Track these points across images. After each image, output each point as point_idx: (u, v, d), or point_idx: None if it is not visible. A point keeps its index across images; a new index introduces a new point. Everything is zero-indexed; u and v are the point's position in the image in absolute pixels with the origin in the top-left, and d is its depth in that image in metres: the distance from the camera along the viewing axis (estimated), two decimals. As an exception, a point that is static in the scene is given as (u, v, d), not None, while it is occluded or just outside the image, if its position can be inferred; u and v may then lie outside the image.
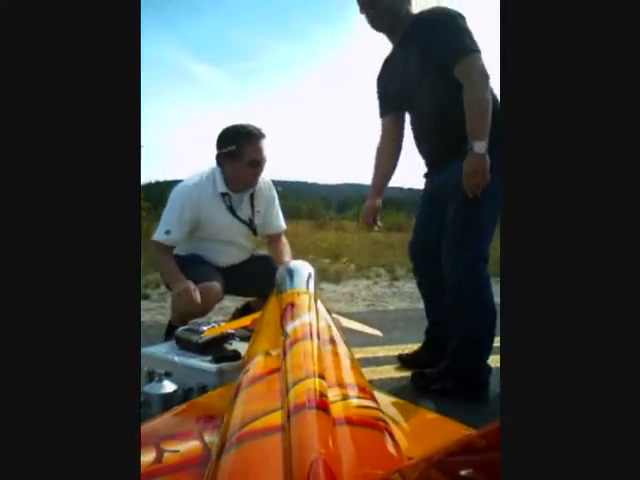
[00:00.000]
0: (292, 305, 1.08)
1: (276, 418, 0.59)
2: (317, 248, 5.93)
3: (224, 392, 0.84)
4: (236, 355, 1.38)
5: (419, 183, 1.91)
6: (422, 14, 1.66)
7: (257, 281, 1.97)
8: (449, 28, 1.56)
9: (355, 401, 0.67)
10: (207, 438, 0.69)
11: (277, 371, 0.75)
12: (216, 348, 1.37)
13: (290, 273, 1.40)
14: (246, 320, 1.84)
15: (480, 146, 1.43)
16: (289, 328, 0.90)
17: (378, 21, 1.68)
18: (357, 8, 1.67)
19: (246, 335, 1.67)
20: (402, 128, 1.86)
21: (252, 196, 1.97)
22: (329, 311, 1.25)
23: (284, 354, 0.78)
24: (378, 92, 1.88)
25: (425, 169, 1.82)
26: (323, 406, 0.57)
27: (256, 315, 1.55)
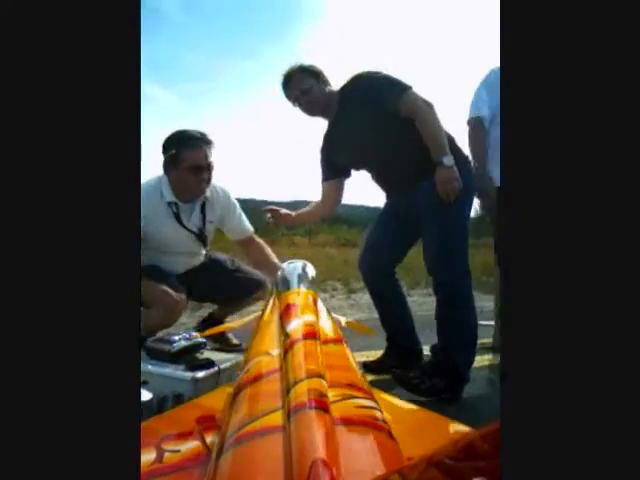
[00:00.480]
0: (292, 305, 1.09)
1: (276, 418, 0.59)
2: None
3: (224, 392, 0.84)
4: (210, 363, 1.40)
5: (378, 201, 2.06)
6: (346, 86, 1.83)
7: (213, 286, 2.00)
8: (377, 80, 1.75)
9: (355, 401, 0.67)
10: (207, 438, 0.69)
11: (277, 371, 0.75)
12: (188, 357, 1.38)
13: (290, 273, 1.40)
14: (246, 320, 1.84)
15: (448, 159, 1.61)
16: (289, 328, 0.90)
17: (310, 108, 1.84)
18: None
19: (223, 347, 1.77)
20: (341, 191, 2.01)
21: (203, 205, 1.95)
22: (329, 311, 1.25)
23: (284, 354, 0.78)
24: (322, 162, 1.99)
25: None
26: (323, 406, 0.57)
27: (256, 315, 1.55)
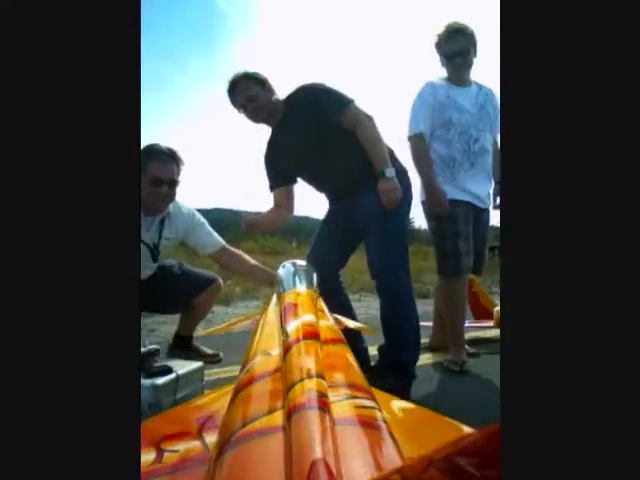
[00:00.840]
0: (292, 305, 1.08)
1: (276, 418, 0.59)
2: (217, 271, 5.95)
3: (224, 392, 0.84)
4: (168, 369, 1.41)
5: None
6: (291, 95, 1.90)
7: (162, 294, 2.02)
8: (322, 92, 1.84)
9: (355, 401, 0.67)
10: (207, 438, 0.69)
11: (277, 371, 0.75)
12: (144, 364, 1.39)
13: (290, 273, 1.40)
14: (246, 320, 1.84)
15: (390, 171, 1.73)
16: (289, 328, 0.90)
17: (256, 115, 1.89)
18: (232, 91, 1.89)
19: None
20: (291, 197, 2.05)
21: (162, 221, 1.95)
22: (329, 311, 1.25)
23: (284, 354, 0.78)
24: (267, 170, 2.04)
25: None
26: (323, 406, 0.57)
27: (256, 315, 1.55)
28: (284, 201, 2.04)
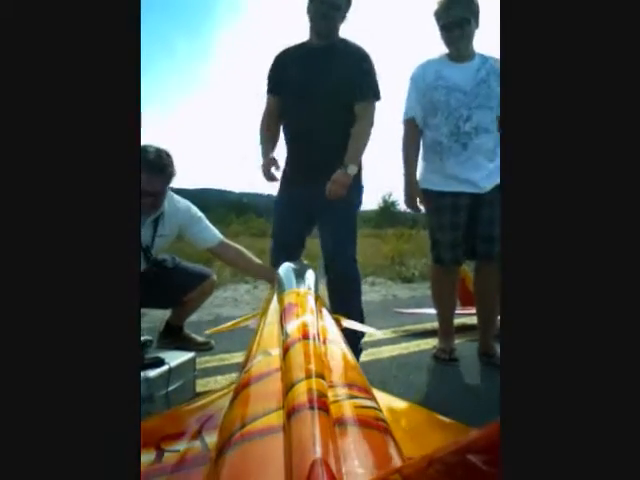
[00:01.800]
0: (292, 305, 1.08)
1: (276, 418, 0.59)
2: (187, 254, 5.98)
3: (224, 392, 0.84)
4: (159, 361, 1.40)
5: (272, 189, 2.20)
6: (349, 42, 1.92)
7: (155, 289, 1.98)
8: (368, 70, 1.89)
9: (355, 401, 0.67)
10: (207, 438, 0.69)
11: (277, 371, 0.75)
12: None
13: (291, 273, 1.40)
14: (246, 320, 1.84)
15: (352, 169, 1.83)
16: (289, 328, 0.90)
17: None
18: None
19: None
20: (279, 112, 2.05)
21: (156, 221, 1.96)
22: (329, 311, 1.25)
23: (284, 354, 0.78)
24: (273, 70, 2.04)
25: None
26: (323, 406, 0.57)
27: (256, 315, 1.55)
28: (276, 112, 2.03)
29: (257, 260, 2.11)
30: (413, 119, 2.06)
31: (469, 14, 1.91)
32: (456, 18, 1.90)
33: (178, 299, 2.20)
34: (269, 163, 1.99)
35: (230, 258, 2.13)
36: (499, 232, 1.99)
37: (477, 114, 1.95)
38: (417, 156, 2.11)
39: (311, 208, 1.99)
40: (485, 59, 2.01)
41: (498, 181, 1.98)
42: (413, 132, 2.07)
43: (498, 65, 1.95)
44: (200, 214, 2.12)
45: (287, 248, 2.02)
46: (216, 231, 2.13)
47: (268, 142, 2.07)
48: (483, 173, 1.99)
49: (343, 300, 1.90)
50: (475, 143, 1.97)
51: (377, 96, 1.92)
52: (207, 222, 2.12)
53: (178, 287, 2.15)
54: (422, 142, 2.10)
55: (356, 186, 1.94)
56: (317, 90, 1.89)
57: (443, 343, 2.20)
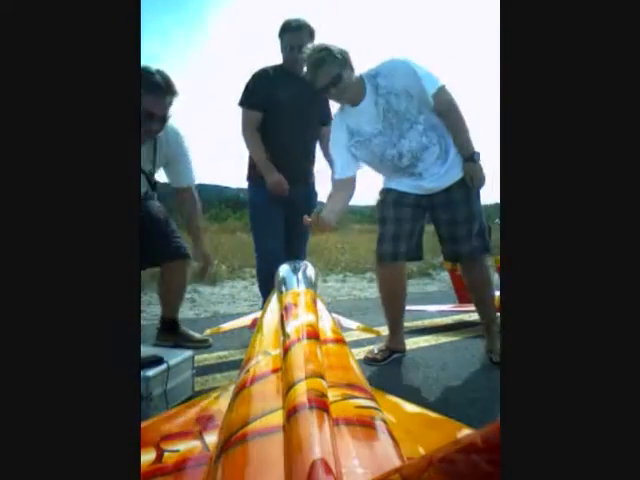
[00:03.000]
0: (292, 305, 1.09)
1: (276, 418, 0.59)
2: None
3: (224, 392, 0.84)
4: (158, 360, 1.39)
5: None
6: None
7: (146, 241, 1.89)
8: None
9: (355, 401, 0.67)
10: (207, 438, 0.69)
11: (277, 371, 0.75)
12: None
13: (291, 273, 1.40)
14: (246, 320, 1.85)
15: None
16: (289, 328, 0.90)
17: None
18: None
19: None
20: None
21: (154, 147, 1.88)
22: (329, 311, 1.25)
23: (284, 354, 0.78)
24: (256, 87, 2.27)
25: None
26: (323, 406, 0.57)
27: (256, 315, 1.55)
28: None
29: (199, 222, 2.14)
30: (347, 178, 2.00)
31: (334, 72, 1.80)
32: (323, 83, 1.82)
33: (148, 260, 1.97)
34: (281, 179, 2.25)
35: (185, 205, 2.08)
36: (463, 231, 1.96)
37: (404, 145, 1.89)
38: (345, 204, 2.04)
39: (288, 211, 2.30)
40: (374, 82, 1.87)
41: (449, 183, 1.94)
42: (340, 187, 2.01)
43: (390, 73, 1.86)
44: (188, 149, 2.05)
45: (274, 255, 2.20)
46: (194, 174, 2.09)
47: (261, 147, 2.28)
48: (437, 176, 1.94)
49: None
50: (420, 167, 1.93)
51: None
52: (191, 161, 2.07)
53: (152, 244, 1.91)
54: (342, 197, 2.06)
55: (314, 192, 2.49)
56: (301, 111, 2.27)
57: (389, 341, 2.12)
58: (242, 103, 2.30)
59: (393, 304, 2.13)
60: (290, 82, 2.27)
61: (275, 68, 2.33)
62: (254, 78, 2.30)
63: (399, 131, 1.88)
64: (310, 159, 2.43)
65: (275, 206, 2.30)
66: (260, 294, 2.45)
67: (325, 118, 2.38)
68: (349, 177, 2.00)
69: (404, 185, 1.99)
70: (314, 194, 2.48)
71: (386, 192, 2.04)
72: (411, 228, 2.00)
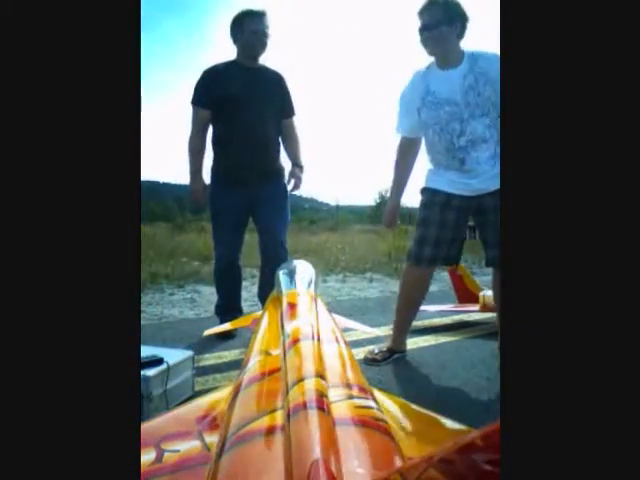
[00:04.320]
0: (292, 305, 1.09)
1: (276, 418, 0.59)
2: (185, 250, 6.02)
3: (224, 392, 0.84)
4: (159, 360, 1.39)
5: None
6: (268, 67, 2.31)
7: None
8: (288, 90, 2.38)
9: (355, 401, 0.67)
10: (207, 438, 0.69)
11: (277, 371, 0.75)
12: None
13: (290, 273, 1.40)
14: (246, 320, 1.85)
15: (302, 166, 2.39)
16: (289, 328, 0.90)
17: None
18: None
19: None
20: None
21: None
22: (329, 311, 1.25)
23: (284, 354, 0.78)
24: (206, 85, 2.24)
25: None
26: (323, 406, 0.57)
27: (256, 315, 1.56)
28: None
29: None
30: (404, 137, 2.03)
31: (441, 16, 1.85)
32: (426, 21, 1.86)
33: None
34: (203, 188, 2.31)
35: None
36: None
37: (470, 125, 1.89)
38: (408, 172, 2.08)
39: (251, 204, 2.31)
40: (474, 59, 1.91)
41: (497, 186, 1.90)
42: (405, 148, 2.04)
43: (491, 61, 1.86)
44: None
45: (231, 253, 2.32)
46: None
47: (200, 153, 2.31)
48: (482, 178, 1.93)
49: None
50: (472, 156, 1.91)
51: (294, 113, 2.41)
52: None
53: None
54: (408, 162, 2.08)
55: (282, 186, 2.41)
56: (257, 104, 2.23)
57: (392, 342, 2.12)
58: (191, 102, 2.29)
59: (412, 306, 2.12)
60: (243, 75, 2.23)
61: (227, 64, 2.30)
62: (203, 75, 2.28)
63: (471, 112, 1.89)
64: (273, 154, 2.36)
65: (238, 203, 2.28)
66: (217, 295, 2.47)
67: (287, 111, 2.36)
68: (416, 139, 2.01)
69: (452, 185, 1.95)
70: (282, 189, 2.37)
71: (432, 193, 1.98)
72: (454, 234, 1.98)
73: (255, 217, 2.36)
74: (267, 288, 2.10)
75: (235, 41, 2.27)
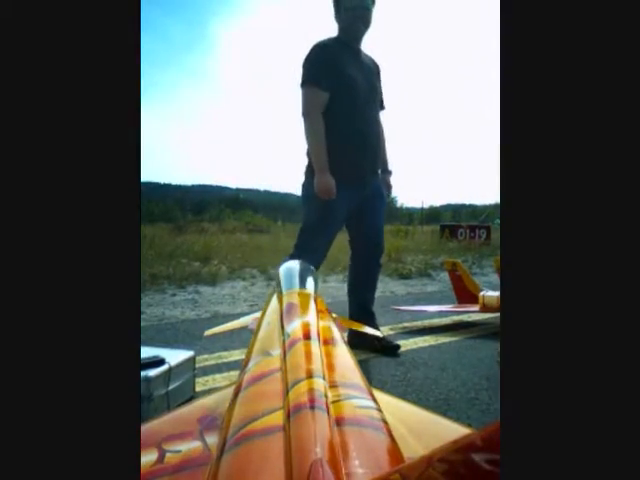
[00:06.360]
0: (292, 305, 1.09)
1: (276, 418, 0.59)
2: (185, 251, 6.07)
3: (225, 392, 0.84)
4: (160, 360, 1.39)
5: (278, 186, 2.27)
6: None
7: None
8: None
9: (355, 401, 0.67)
10: (208, 438, 0.69)
11: (277, 371, 0.75)
12: None
13: (290, 273, 1.40)
14: (246, 320, 1.85)
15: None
16: (289, 328, 0.90)
17: (366, 24, 1.92)
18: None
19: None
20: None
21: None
22: (329, 311, 1.25)
23: (284, 354, 0.78)
24: (321, 63, 1.89)
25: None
26: (323, 406, 0.57)
27: (256, 315, 1.56)
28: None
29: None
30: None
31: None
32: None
33: None
34: (332, 183, 1.92)
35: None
36: None
37: None
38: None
39: (359, 203, 2.05)
40: None
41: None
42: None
43: None
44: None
45: (317, 251, 2.00)
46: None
47: (323, 137, 1.91)
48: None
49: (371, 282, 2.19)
50: None
51: (384, 107, 2.19)
52: None
53: None
54: None
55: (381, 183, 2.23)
56: (370, 92, 1.97)
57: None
58: (305, 81, 1.87)
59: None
60: (353, 57, 1.94)
61: (333, 40, 1.94)
62: (316, 50, 1.90)
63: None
64: (378, 152, 2.09)
65: (343, 203, 1.96)
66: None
67: (382, 104, 2.14)
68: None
69: None
70: (383, 185, 2.21)
71: None
72: None
73: (360, 215, 2.10)
74: (370, 283, 2.16)
75: (336, 19, 1.96)
